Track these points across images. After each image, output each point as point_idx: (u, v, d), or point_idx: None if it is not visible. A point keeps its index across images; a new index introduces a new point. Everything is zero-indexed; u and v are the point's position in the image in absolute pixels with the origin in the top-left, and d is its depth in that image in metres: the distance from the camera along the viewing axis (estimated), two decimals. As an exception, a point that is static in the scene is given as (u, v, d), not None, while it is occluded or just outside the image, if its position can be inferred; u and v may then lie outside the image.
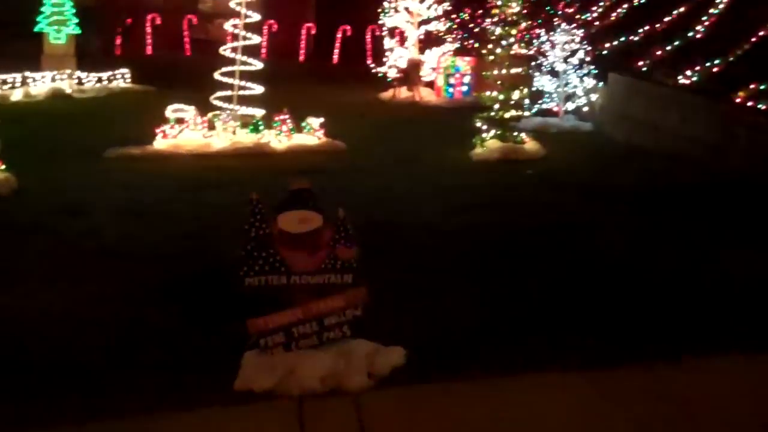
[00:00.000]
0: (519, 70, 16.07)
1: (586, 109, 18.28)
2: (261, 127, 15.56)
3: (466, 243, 9.72)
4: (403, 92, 24.27)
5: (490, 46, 16.04)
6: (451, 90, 23.73)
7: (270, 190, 12.02)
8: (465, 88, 23.59)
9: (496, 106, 15.28)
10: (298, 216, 6.43)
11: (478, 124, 15.31)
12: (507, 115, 15.22)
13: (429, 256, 9.17)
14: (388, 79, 24.67)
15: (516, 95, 15.46)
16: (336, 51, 31.77)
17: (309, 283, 6.42)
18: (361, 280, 6.44)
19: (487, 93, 15.52)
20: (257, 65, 16.29)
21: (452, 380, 6.26)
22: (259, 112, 15.92)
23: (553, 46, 18.49)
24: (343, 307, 6.41)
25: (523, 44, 17.68)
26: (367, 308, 6.41)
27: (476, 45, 24.15)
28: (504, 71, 15.55)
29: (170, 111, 15.28)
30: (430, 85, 24.68)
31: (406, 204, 11.58)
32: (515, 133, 15.22)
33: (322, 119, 15.81)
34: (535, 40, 18.84)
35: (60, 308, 7.51)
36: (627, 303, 7.82)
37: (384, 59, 25.22)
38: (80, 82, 22.10)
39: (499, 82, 15.49)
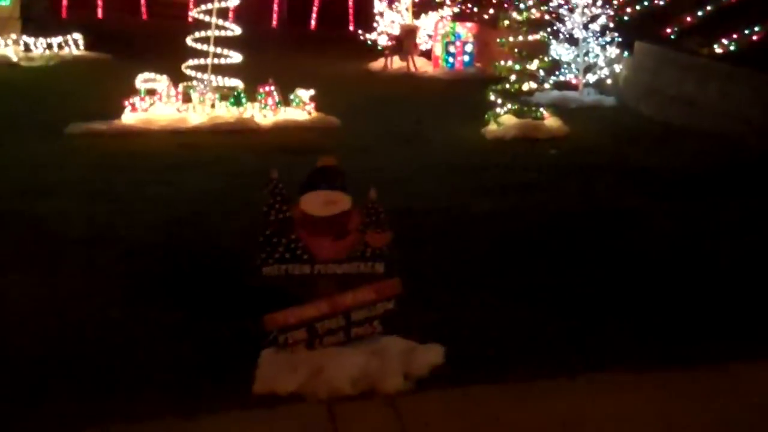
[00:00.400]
0: (537, 36, 16.18)
1: (609, 81, 18.39)
2: (243, 100, 15.57)
3: (495, 230, 9.78)
4: (395, 62, 24.32)
5: (491, 10, 16.09)
6: (450, 60, 23.78)
7: (258, 170, 12.24)
8: (467, 58, 23.66)
9: (513, 77, 15.38)
10: (323, 197, 6.47)
11: (492, 98, 15.39)
12: (525, 87, 15.33)
13: (454, 245, 9.22)
14: (379, 48, 24.70)
15: (535, 65, 15.56)
16: (314, 15, 31.78)
17: (335, 273, 6.47)
18: (393, 270, 6.50)
19: (501, 62, 15.61)
20: (235, 30, 16.30)
21: (500, 382, 6.33)
22: (239, 84, 15.93)
23: (571, 11, 18.57)
24: (374, 300, 6.44)
25: (542, 6, 17.72)
26: (400, 302, 6.46)
27: (476, 9, 24.22)
28: (521, 38, 15.65)
29: (140, 81, 15.26)
30: (427, 54, 24.74)
31: (416, 187, 11.63)
32: (533, 108, 15.31)
33: (312, 91, 15.84)
34: (550, 3, 18.88)
35: (40, 304, 7.50)
36: (691, 297, 7.89)
37: (374, 25, 25.25)
38: (27, 49, 22.02)
39: (516, 51, 15.58)
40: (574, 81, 18.70)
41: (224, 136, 14.67)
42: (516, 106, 15.16)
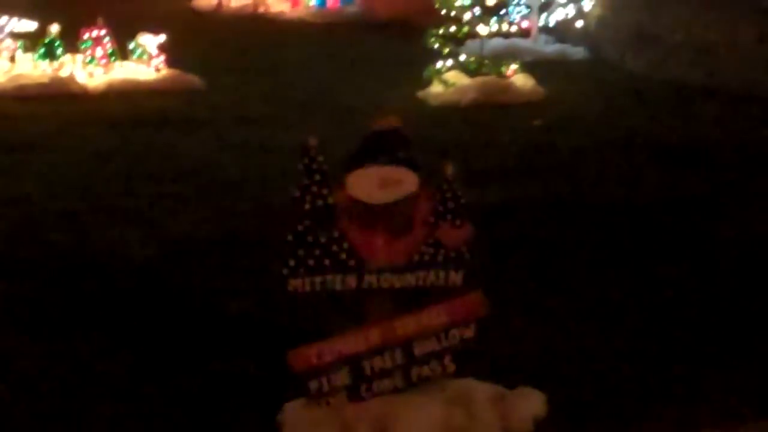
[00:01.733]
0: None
1: (580, 24, 18.86)
2: (59, 51, 15.45)
3: (527, 229, 10.12)
4: (233, -1, 24.62)
5: None
6: (320, -4, 24.14)
7: (116, 150, 12.24)
8: (347, -7, 24.10)
9: (467, 15, 15.62)
10: (378, 175, 6.37)
11: (435, 46, 15.63)
12: (483, 31, 15.64)
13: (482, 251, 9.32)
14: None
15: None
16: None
17: (393, 287, 6.47)
18: (474, 281, 6.54)
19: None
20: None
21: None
22: (51, 28, 15.75)
23: None
24: (446, 325, 6.53)
25: None
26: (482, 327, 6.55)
27: None
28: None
29: None
30: (279, -12, 25.00)
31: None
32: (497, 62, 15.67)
33: (162, 38, 15.84)
34: None
35: None
36: None
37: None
38: None
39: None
40: (524, 24, 19.06)
41: (37, 104, 14.65)
42: (471, 60, 15.47)
